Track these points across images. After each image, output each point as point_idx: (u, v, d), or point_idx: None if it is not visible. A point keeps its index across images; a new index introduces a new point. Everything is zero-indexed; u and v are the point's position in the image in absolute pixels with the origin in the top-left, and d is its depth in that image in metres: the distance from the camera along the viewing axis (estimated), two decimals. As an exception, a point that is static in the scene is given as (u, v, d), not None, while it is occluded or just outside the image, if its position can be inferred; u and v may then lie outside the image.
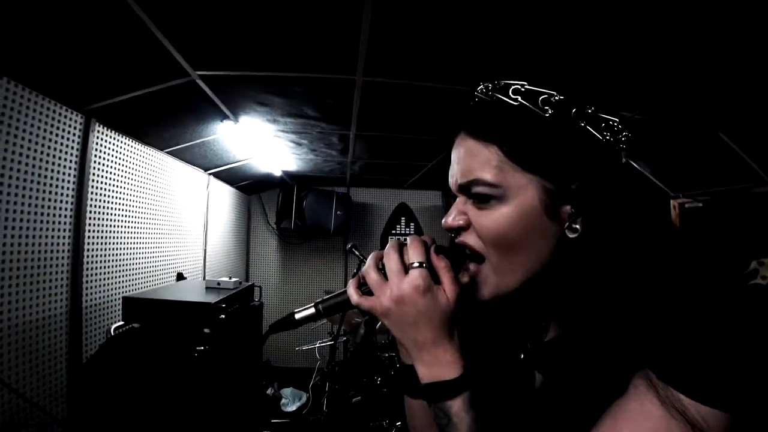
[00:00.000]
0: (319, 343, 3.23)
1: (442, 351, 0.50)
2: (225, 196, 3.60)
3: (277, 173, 3.47)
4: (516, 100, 0.48)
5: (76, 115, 1.62)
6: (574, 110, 0.47)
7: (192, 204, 2.85)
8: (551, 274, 0.50)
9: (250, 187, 4.01)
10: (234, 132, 2.22)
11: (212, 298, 1.67)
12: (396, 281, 0.50)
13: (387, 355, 3.11)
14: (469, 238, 0.52)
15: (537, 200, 0.47)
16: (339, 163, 3.17)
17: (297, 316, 0.52)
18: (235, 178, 3.49)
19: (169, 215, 2.47)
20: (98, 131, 1.75)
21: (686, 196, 2.76)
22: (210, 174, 3.06)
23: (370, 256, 0.54)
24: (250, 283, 2.16)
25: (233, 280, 1.93)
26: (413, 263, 0.50)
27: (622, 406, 0.41)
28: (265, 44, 1.37)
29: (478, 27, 1.21)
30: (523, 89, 0.48)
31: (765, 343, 0.38)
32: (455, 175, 0.52)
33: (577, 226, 0.47)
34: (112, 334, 1.63)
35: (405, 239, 0.53)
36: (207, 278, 2.21)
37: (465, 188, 0.51)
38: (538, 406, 0.56)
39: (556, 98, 0.47)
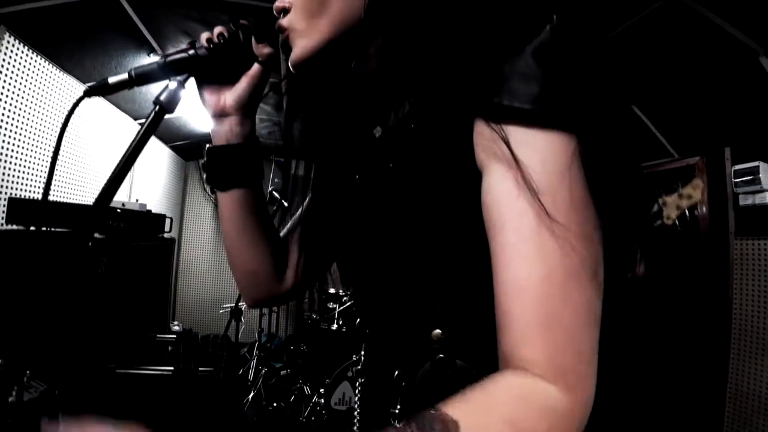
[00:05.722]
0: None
1: None
2: (159, 155, 3.52)
3: (215, 134, 3.44)
4: None
5: (-17, 18, 1.57)
6: None
7: (118, 154, 2.76)
8: (368, 28, 0.51)
9: (188, 151, 3.93)
10: (162, 70, 2.21)
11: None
12: None
13: (313, 317, 3.17)
14: (283, 19, 0.56)
15: None
16: (276, 124, 3.21)
17: (110, 80, 0.54)
18: (169, 135, 3.43)
19: (88, 159, 2.38)
20: (8, 41, 1.70)
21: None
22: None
23: None
24: (161, 213, 2.14)
25: (139, 202, 1.92)
26: None
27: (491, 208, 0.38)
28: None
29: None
30: None
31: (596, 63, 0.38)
32: None
33: None
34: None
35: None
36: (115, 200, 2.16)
37: None
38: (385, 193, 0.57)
39: None
